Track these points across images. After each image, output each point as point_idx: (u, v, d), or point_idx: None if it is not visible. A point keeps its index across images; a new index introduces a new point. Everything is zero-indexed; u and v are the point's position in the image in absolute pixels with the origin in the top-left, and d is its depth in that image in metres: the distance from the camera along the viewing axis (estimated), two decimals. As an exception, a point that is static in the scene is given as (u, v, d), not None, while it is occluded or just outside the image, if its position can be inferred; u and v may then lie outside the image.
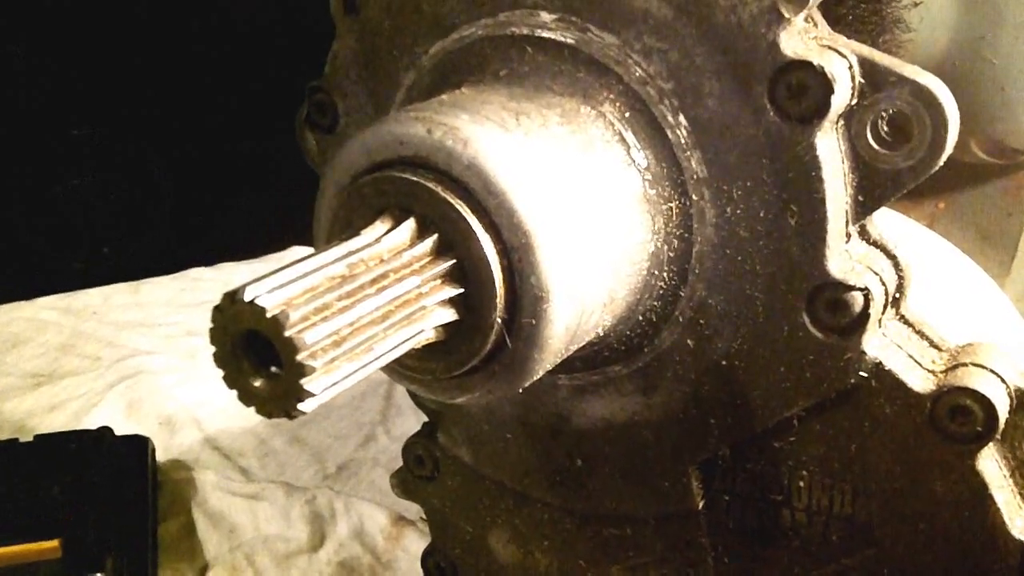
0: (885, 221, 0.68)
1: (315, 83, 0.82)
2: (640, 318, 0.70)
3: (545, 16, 0.68)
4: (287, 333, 0.50)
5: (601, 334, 0.68)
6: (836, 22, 0.82)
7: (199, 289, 1.75)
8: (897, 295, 0.67)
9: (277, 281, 0.52)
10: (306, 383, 0.50)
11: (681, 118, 0.65)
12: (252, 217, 1.86)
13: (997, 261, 1.28)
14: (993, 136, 1.15)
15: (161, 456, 1.33)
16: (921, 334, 0.68)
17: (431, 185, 0.58)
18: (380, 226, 0.58)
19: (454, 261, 0.58)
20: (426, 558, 0.97)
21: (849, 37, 0.67)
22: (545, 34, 0.68)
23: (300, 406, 0.51)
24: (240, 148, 1.80)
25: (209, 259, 1.84)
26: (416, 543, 1.19)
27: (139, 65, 1.79)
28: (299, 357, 0.50)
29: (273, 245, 1.82)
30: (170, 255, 1.82)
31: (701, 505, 0.76)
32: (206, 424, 1.40)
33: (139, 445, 1.29)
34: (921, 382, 0.66)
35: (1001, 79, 1.10)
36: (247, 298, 0.51)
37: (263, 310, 0.50)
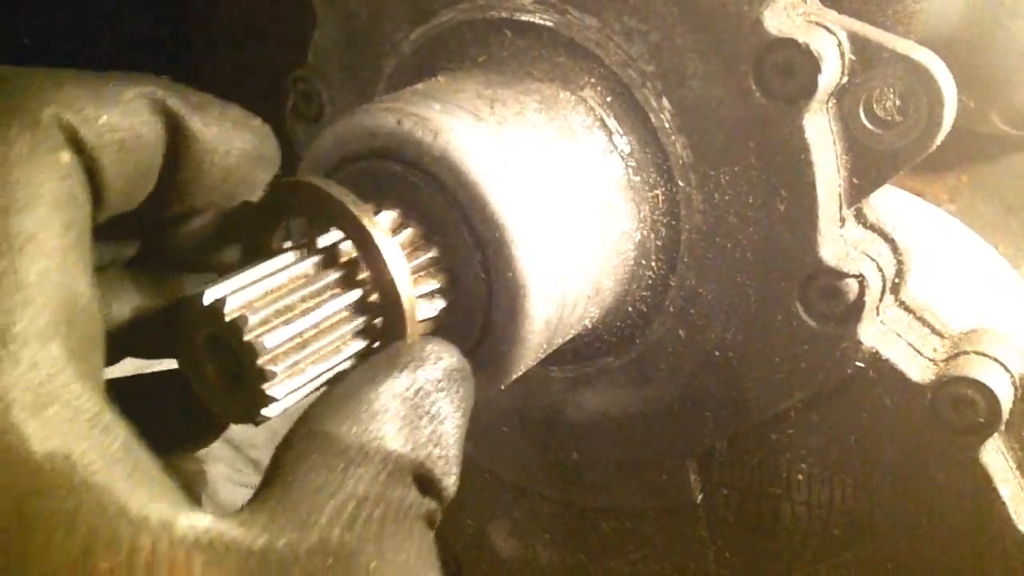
0: (886, 202, 0.65)
1: (298, 73, 0.80)
2: (630, 309, 0.68)
3: (524, -2, 0.65)
4: (246, 338, 0.48)
5: (589, 326, 0.66)
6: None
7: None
8: (896, 280, 0.64)
9: (238, 283, 0.50)
10: (268, 388, 0.49)
11: (665, 101, 0.62)
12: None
13: (1022, 234, 1.24)
14: (1014, 106, 1.11)
15: (172, 448, 1.33)
16: (923, 321, 0.65)
17: (400, 179, 0.56)
18: None
19: (428, 255, 0.56)
20: (429, 552, 0.96)
21: (856, 8, 0.64)
22: (524, 17, 0.65)
23: (264, 411, 0.50)
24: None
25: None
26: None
27: (139, 52, 1.78)
28: (259, 362, 0.48)
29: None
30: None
31: (700, 498, 0.74)
32: (217, 415, 1.40)
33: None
34: (921, 372, 0.63)
35: (1022, 46, 1.06)
36: (206, 301, 0.49)
37: (222, 314, 0.49)
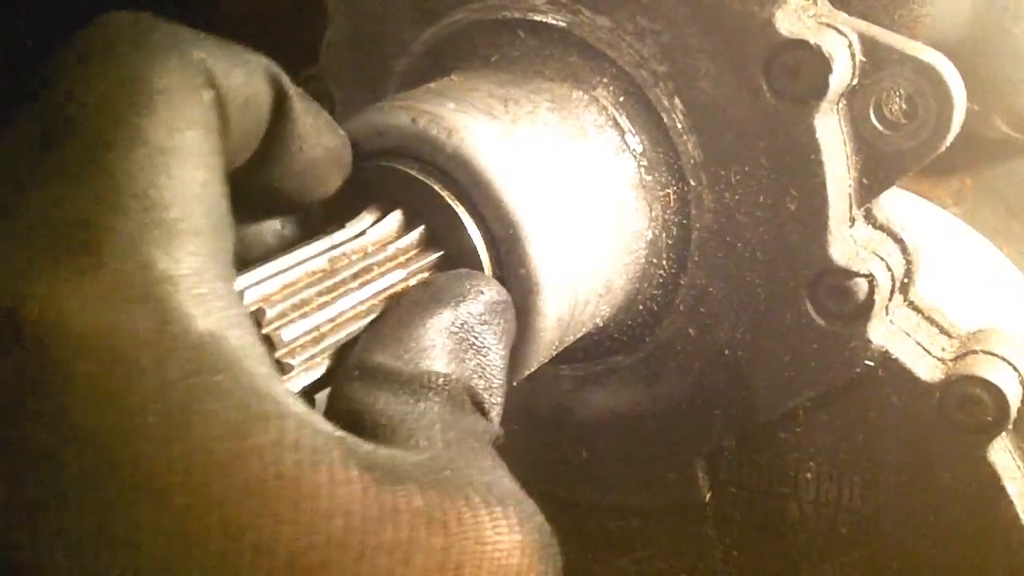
0: (895, 203, 0.66)
1: (310, 72, 0.80)
2: (640, 307, 0.68)
3: (537, -2, 0.66)
4: (264, 331, 0.49)
5: (600, 324, 0.67)
6: (850, -3, 0.79)
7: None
8: (905, 280, 0.65)
9: (255, 277, 0.51)
10: (285, 381, 0.49)
11: (676, 101, 0.63)
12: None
13: (1025, 238, 1.24)
14: (1018, 110, 1.12)
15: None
16: (931, 320, 0.66)
17: (416, 175, 0.57)
18: (366, 218, 0.57)
19: (441, 253, 0.57)
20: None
21: (863, 13, 0.65)
22: (536, 17, 0.66)
23: None
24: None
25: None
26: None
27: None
28: (276, 355, 0.49)
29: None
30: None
31: (707, 497, 0.74)
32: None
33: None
34: (929, 371, 0.64)
35: (1026, 51, 1.06)
36: None
37: None
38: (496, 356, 0.51)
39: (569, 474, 0.81)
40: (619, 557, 0.82)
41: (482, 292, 0.51)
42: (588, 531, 0.83)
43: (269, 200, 0.53)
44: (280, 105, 0.48)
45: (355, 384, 0.47)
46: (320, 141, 0.51)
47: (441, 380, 0.47)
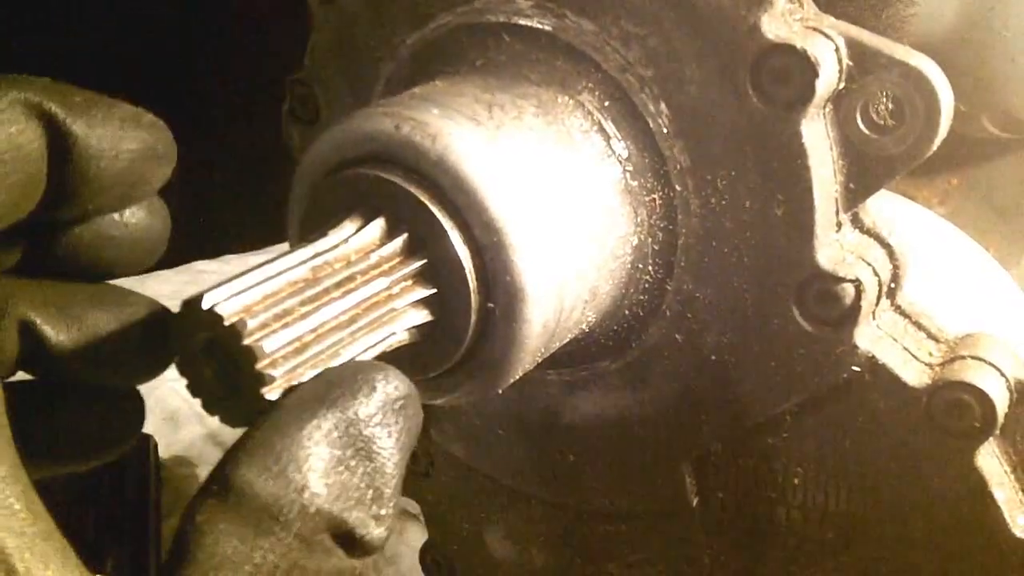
0: (882, 206, 0.66)
1: (296, 76, 0.80)
2: (626, 313, 0.68)
3: (522, 2, 0.65)
4: (245, 342, 0.48)
5: (586, 330, 0.66)
6: (836, -2, 0.79)
7: (203, 282, 1.70)
8: (892, 285, 0.65)
9: (236, 287, 0.50)
10: (267, 392, 0.49)
11: (662, 106, 0.62)
12: (254, 209, 1.85)
13: (1013, 238, 1.24)
14: (1005, 110, 1.12)
15: (164, 453, 1.33)
16: (918, 325, 0.65)
17: (399, 182, 0.56)
18: (348, 226, 0.56)
19: (425, 261, 0.56)
20: (424, 554, 0.96)
21: (850, 14, 0.65)
22: (522, 21, 0.65)
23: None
24: (242, 139, 1.79)
25: (212, 252, 1.83)
26: (419, 537, 1.18)
27: (141, 57, 1.78)
28: (258, 366, 0.48)
29: (275, 237, 1.81)
30: (173, 248, 1.81)
31: (695, 502, 0.74)
32: (209, 420, 1.39)
33: (141, 442, 1.28)
34: (916, 376, 0.63)
35: (1012, 50, 1.06)
36: (205, 305, 0.49)
37: (220, 318, 0.48)
38: (390, 462, 0.45)
39: (557, 478, 0.80)
40: (607, 562, 0.82)
41: (375, 389, 0.45)
42: (576, 536, 0.83)
43: (85, 216, 0.48)
44: (57, 134, 0.43)
45: (208, 501, 0.41)
46: (121, 148, 0.46)
47: (297, 510, 0.40)
